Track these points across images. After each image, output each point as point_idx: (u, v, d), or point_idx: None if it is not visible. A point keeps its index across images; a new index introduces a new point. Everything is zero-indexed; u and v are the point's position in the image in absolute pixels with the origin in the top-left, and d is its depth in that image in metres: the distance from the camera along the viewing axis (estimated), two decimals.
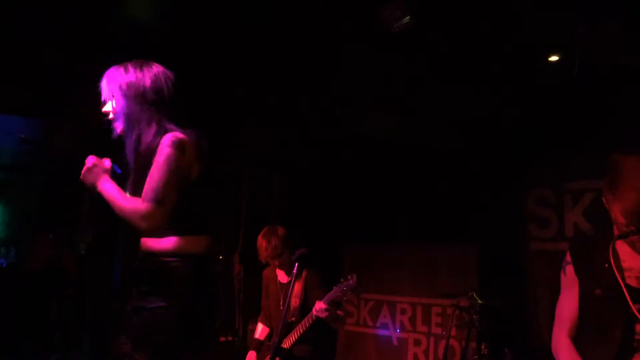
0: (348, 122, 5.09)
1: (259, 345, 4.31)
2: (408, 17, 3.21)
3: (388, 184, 6.13)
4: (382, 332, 5.96)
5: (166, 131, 2.26)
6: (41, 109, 4.47)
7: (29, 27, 3.60)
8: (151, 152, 2.24)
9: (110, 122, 2.38)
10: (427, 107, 4.94)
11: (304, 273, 4.17)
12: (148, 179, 2.18)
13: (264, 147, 6.00)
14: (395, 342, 5.83)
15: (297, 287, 4.14)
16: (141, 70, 2.34)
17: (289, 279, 4.13)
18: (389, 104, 4.90)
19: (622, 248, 2.16)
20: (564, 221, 4.93)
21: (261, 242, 4.15)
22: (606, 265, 2.11)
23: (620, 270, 2.09)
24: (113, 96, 2.35)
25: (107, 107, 2.38)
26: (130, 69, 2.35)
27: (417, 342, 5.62)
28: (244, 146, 5.89)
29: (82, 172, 2.34)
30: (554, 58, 3.99)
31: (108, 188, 2.28)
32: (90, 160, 2.36)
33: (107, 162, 2.38)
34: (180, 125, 2.31)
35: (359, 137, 5.52)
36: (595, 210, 4.72)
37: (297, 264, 3.66)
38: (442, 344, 5.22)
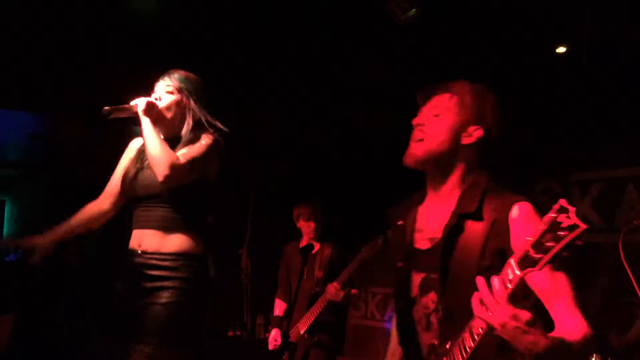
0: (352, 117, 5.09)
1: (279, 322, 4.40)
2: (414, 9, 3.20)
3: (395, 178, 6.11)
4: (390, 325, 5.96)
5: (201, 127, 2.48)
6: (48, 104, 4.49)
7: (37, 22, 3.61)
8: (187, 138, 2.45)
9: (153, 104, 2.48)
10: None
11: (329, 247, 4.38)
12: (188, 149, 2.38)
13: (271, 143, 6.01)
14: None
15: (322, 259, 4.31)
16: (200, 86, 2.57)
17: (311, 244, 4.38)
18: (392, 98, 4.88)
19: (422, 208, 1.92)
20: None
21: (301, 209, 4.46)
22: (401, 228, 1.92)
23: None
24: (175, 92, 2.51)
25: (163, 97, 2.50)
26: (199, 80, 2.58)
27: None
28: (251, 142, 5.90)
29: (148, 102, 2.41)
30: (561, 49, 3.97)
31: (154, 126, 2.39)
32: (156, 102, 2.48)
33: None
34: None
35: (364, 132, 5.51)
36: (603, 201, 4.70)
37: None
38: None
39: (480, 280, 1.41)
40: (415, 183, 1.94)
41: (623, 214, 4.49)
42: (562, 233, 1.31)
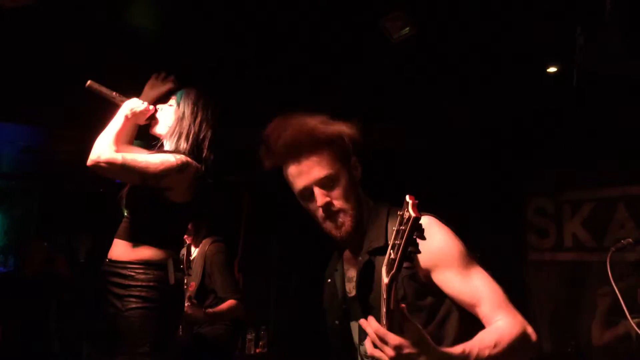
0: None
1: None
2: (408, 28, 3.23)
3: (387, 191, 6.10)
4: None
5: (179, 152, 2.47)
6: (41, 117, 4.47)
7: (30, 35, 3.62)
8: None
9: (152, 116, 2.58)
10: (427, 116, 4.96)
11: (206, 245, 3.74)
12: (142, 154, 2.40)
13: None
14: None
15: (198, 265, 3.68)
16: (208, 112, 2.57)
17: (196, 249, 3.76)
18: (388, 113, 4.91)
19: (346, 254, 1.88)
20: (563, 231, 4.94)
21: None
22: (329, 280, 1.88)
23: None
24: (178, 110, 2.55)
25: (163, 108, 2.59)
26: (207, 107, 2.57)
27: None
28: (246, 156, 5.90)
29: (142, 108, 2.49)
30: (552, 69, 4.01)
31: (125, 126, 2.43)
32: (152, 111, 2.55)
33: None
34: (196, 157, 2.50)
35: (359, 147, 5.51)
36: (594, 220, 4.73)
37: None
38: None
39: (363, 322, 1.37)
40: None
41: (613, 233, 4.51)
42: (403, 227, 1.30)
